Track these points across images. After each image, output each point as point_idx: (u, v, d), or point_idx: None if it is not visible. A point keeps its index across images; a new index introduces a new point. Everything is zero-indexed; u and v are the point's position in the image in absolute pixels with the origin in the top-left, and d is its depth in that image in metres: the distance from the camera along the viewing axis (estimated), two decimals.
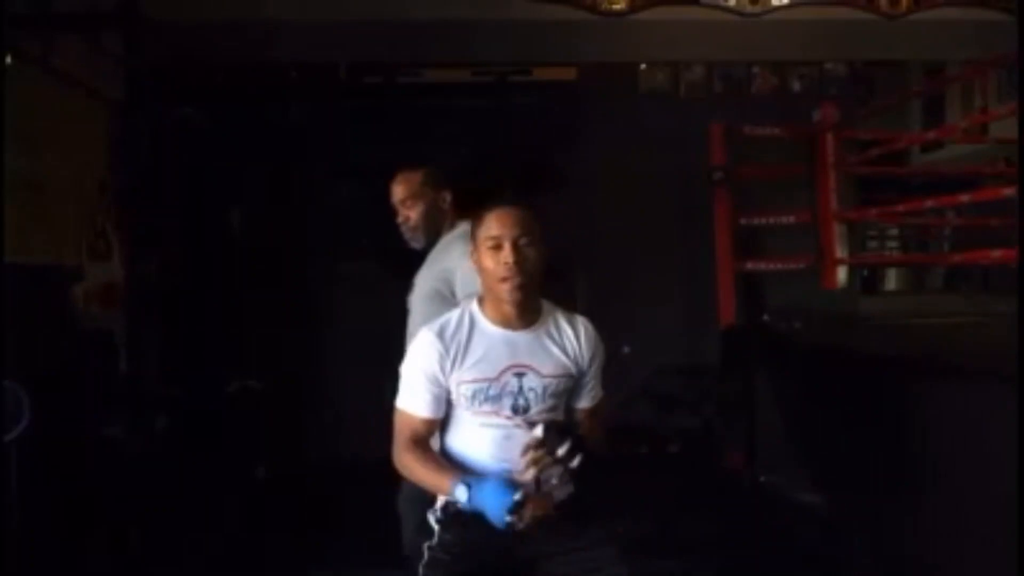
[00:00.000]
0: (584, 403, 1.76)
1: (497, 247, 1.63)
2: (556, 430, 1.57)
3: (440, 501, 1.70)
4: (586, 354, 1.73)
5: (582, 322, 1.76)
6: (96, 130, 3.59)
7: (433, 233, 2.29)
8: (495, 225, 1.64)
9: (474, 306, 1.72)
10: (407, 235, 2.26)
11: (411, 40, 4.02)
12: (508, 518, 1.47)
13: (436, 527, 1.68)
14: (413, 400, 1.67)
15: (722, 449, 4.28)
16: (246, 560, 3.21)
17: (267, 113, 4.53)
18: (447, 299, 2.10)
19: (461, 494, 1.54)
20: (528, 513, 1.50)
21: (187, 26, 3.75)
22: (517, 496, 1.48)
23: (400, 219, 2.24)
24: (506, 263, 1.62)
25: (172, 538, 3.27)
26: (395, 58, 4.34)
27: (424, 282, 2.21)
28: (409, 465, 1.66)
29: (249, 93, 4.48)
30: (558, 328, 1.73)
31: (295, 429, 4.51)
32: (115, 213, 3.66)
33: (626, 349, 3.79)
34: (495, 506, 1.49)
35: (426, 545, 1.67)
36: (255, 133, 4.34)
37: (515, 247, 1.62)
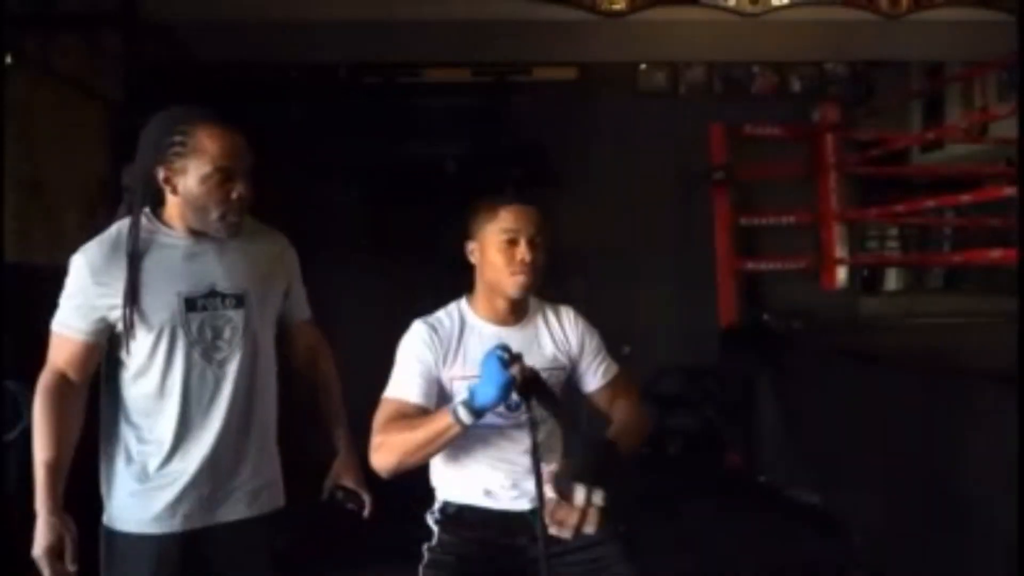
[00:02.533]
0: (596, 383, 1.74)
1: (512, 242, 1.62)
2: (568, 473, 1.33)
3: (438, 502, 1.70)
4: (574, 341, 1.73)
5: (565, 311, 1.77)
6: (96, 130, 3.59)
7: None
8: (512, 219, 1.63)
9: (463, 303, 1.72)
10: (234, 218, 1.54)
11: (411, 40, 4.02)
12: (512, 371, 1.38)
13: (435, 528, 1.68)
14: (405, 387, 1.61)
15: (722, 449, 4.29)
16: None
17: (267, 113, 4.52)
18: (279, 304, 1.69)
19: (464, 397, 1.43)
20: (520, 365, 1.40)
21: (187, 26, 3.76)
22: (503, 354, 1.40)
23: (236, 194, 1.52)
24: (522, 259, 1.61)
25: None
26: (395, 58, 4.34)
27: (262, 283, 1.63)
28: (393, 437, 1.52)
29: (249, 93, 4.47)
30: (546, 321, 1.73)
31: (295, 429, 4.50)
32: (115, 213, 3.66)
33: (626, 349, 3.78)
34: (491, 377, 1.38)
35: (426, 546, 1.66)
36: (255, 133, 4.33)
37: (531, 244, 1.62)
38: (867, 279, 6.06)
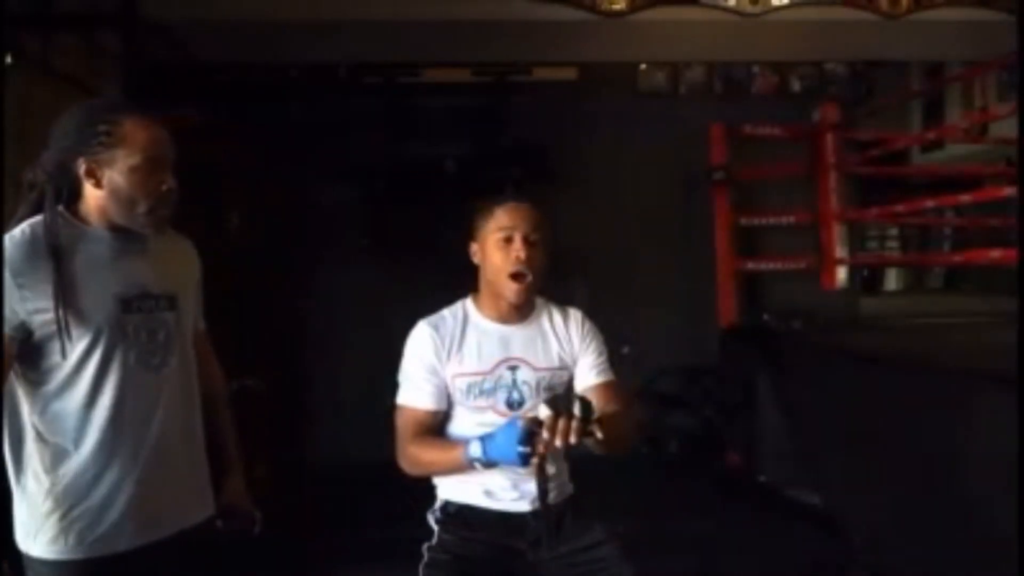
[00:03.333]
0: (586, 383, 1.71)
1: (508, 240, 1.63)
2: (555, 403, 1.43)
3: (439, 501, 1.70)
4: (577, 341, 1.73)
5: (573, 313, 1.77)
6: None
7: None
8: (507, 218, 1.64)
9: (468, 301, 1.73)
10: (163, 211, 1.46)
11: (411, 40, 4.02)
12: (520, 448, 1.41)
13: (436, 527, 1.68)
14: (415, 394, 1.65)
15: (722, 449, 4.29)
16: (244, 559, 3.20)
17: (267, 113, 4.53)
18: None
19: (475, 449, 1.50)
20: (541, 441, 1.40)
21: (187, 26, 3.76)
22: (522, 423, 1.42)
23: (166, 187, 1.45)
24: (517, 257, 1.62)
25: None
26: (395, 58, 4.35)
27: (186, 286, 1.57)
28: (415, 454, 1.63)
29: (249, 93, 4.47)
30: (551, 321, 1.73)
31: (295, 429, 4.51)
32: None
33: (626, 349, 3.79)
34: (506, 442, 1.43)
35: (426, 546, 1.66)
36: (255, 133, 4.34)
37: (526, 242, 1.63)
38: (867, 279, 6.06)
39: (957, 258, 5.47)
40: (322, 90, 4.72)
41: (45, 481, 1.37)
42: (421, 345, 1.66)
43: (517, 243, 1.62)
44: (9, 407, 1.39)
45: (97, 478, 1.39)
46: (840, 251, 4.70)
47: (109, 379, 1.39)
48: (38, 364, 1.37)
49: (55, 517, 1.37)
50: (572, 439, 1.37)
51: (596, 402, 1.64)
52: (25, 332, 1.34)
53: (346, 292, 4.63)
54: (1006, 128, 4.49)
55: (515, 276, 1.62)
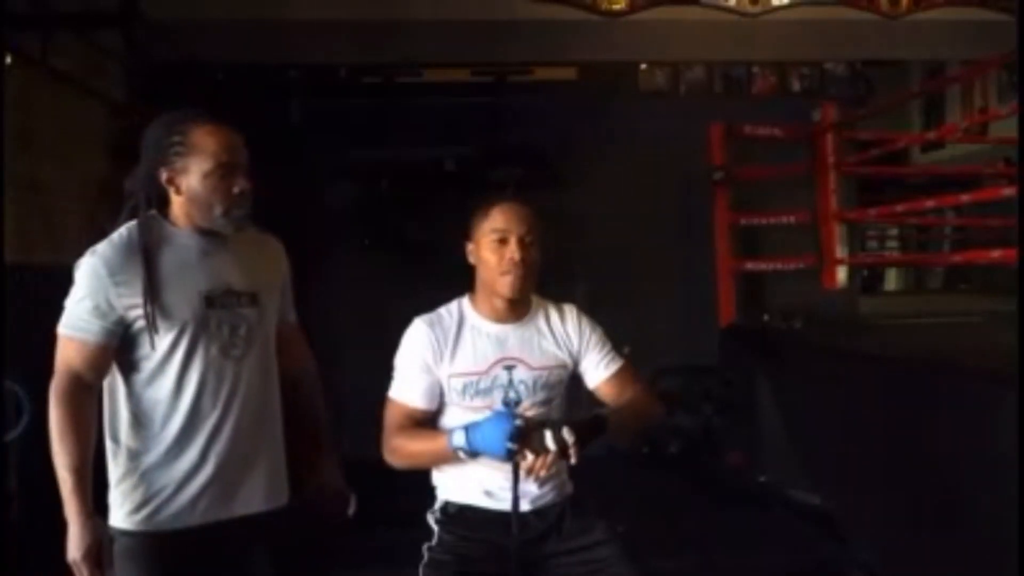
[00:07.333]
0: (600, 377, 1.73)
1: (502, 241, 1.63)
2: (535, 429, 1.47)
3: (439, 502, 1.70)
4: (576, 338, 1.73)
5: (568, 309, 1.77)
6: (96, 130, 3.59)
7: None
8: (502, 219, 1.64)
9: (464, 301, 1.73)
10: (238, 212, 1.56)
11: (411, 40, 4.02)
12: (509, 444, 1.43)
13: (436, 527, 1.68)
14: (407, 390, 1.66)
15: (722, 449, 4.29)
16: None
17: (267, 113, 4.53)
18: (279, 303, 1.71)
19: (459, 438, 1.52)
20: (530, 446, 1.44)
21: (187, 26, 3.76)
22: (518, 422, 1.45)
23: (239, 189, 1.55)
24: (511, 259, 1.62)
25: None
26: (395, 58, 4.35)
27: (269, 283, 1.67)
28: (399, 445, 1.64)
29: (249, 93, 4.47)
30: (547, 320, 1.73)
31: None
32: (115, 213, 3.65)
33: (626, 349, 3.78)
34: (494, 435, 1.46)
35: (426, 546, 1.66)
36: (255, 133, 4.34)
37: (521, 243, 1.63)
38: (867, 279, 6.06)
39: (957, 258, 5.48)
40: (322, 90, 4.72)
41: (134, 460, 1.51)
42: (417, 342, 1.67)
43: (512, 245, 1.63)
44: (110, 393, 1.54)
45: (177, 459, 1.52)
46: (840, 251, 4.71)
47: (193, 369, 1.52)
48: (132, 354, 1.51)
49: (138, 493, 1.51)
50: (542, 474, 1.48)
51: (611, 393, 1.72)
52: (122, 326, 1.49)
53: (347, 292, 4.63)
54: (1006, 128, 4.49)
55: (507, 274, 1.63)
